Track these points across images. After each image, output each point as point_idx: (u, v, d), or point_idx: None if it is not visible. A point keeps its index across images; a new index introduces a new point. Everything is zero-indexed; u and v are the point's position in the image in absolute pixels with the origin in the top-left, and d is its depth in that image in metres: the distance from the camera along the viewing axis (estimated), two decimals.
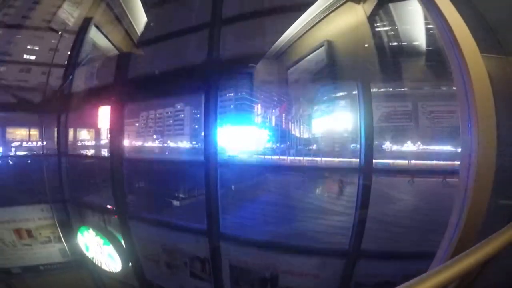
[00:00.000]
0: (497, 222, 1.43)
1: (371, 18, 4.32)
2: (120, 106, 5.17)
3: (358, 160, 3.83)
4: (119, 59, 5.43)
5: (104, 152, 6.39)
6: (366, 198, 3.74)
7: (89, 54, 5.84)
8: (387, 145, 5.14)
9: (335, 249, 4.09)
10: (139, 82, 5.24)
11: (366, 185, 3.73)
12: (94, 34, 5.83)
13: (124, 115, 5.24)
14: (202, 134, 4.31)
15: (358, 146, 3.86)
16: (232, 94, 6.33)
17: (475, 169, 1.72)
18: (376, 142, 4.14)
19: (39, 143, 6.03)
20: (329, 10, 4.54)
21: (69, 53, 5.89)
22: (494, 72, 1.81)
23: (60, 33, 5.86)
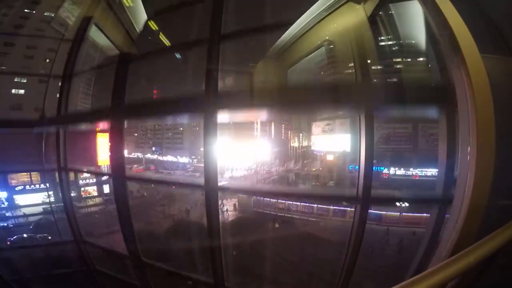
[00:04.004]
0: (496, 222, 1.43)
1: (372, 18, 4.29)
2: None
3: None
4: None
5: None
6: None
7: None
8: None
9: None
10: None
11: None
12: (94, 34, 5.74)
13: None
14: None
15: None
16: None
17: (474, 169, 1.73)
18: None
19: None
20: (330, 10, 4.51)
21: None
22: (495, 72, 1.81)
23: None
